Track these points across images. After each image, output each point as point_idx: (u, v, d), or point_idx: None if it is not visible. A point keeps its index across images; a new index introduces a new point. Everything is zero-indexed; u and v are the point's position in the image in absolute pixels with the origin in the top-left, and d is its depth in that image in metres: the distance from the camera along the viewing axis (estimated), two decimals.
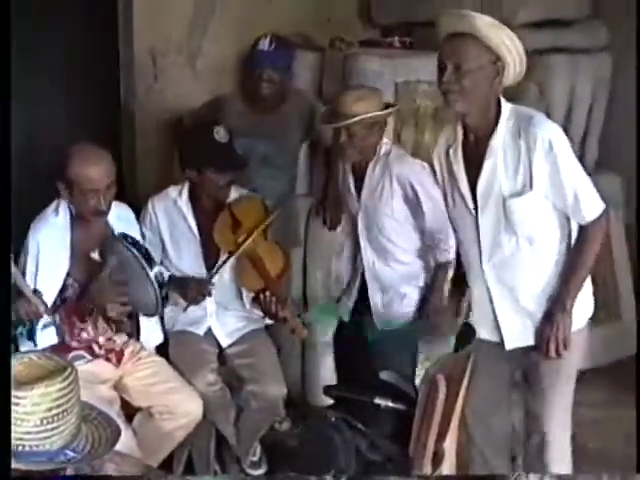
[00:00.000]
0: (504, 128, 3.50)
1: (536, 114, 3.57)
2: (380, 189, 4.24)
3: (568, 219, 3.57)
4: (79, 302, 4.07)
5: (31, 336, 3.90)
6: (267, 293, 4.36)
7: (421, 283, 4.39)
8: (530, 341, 3.69)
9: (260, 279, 4.43)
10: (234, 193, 4.57)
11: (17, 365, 2.21)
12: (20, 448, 2.13)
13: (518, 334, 3.71)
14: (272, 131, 5.01)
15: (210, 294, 4.45)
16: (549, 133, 3.45)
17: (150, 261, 3.99)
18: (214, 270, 4.46)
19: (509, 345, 3.72)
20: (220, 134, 4.38)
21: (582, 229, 3.55)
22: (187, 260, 4.55)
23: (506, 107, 3.54)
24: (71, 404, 2.19)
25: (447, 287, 4.33)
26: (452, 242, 4.09)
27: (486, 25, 3.40)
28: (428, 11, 5.82)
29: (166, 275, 4.41)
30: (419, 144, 4.76)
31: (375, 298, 4.42)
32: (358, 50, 5.70)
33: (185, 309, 4.48)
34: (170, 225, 4.55)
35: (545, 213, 3.55)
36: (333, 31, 5.87)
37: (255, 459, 4.58)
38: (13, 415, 2.12)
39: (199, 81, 5.76)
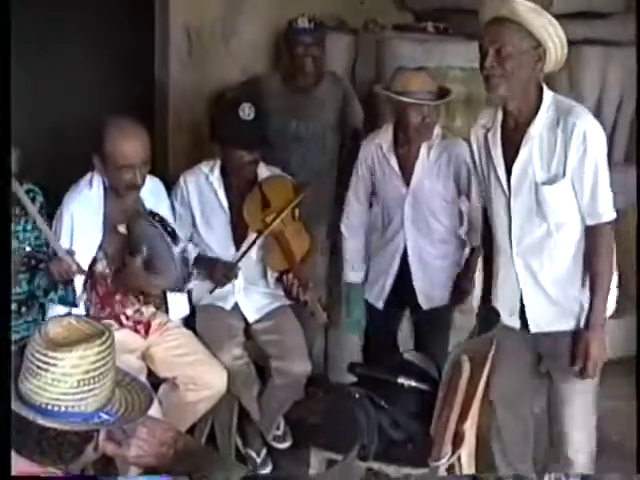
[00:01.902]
0: (544, 116, 3.51)
1: (577, 105, 3.58)
2: (437, 170, 4.39)
3: None
4: (112, 284, 4.13)
5: (65, 300, 3.96)
6: (290, 275, 4.42)
7: (453, 262, 4.55)
8: (553, 327, 3.71)
9: (285, 260, 4.48)
10: (265, 172, 4.59)
11: (56, 327, 2.22)
12: (56, 408, 2.15)
13: (543, 319, 3.72)
14: (307, 111, 5.06)
15: (236, 277, 4.50)
16: (586, 125, 3.46)
17: (175, 238, 4.01)
18: (241, 253, 4.50)
19: (533, 329, 3.73)
20: (245, 111, 4.39)
21: (590, 233, 3.58)
22: (216, 236, 4.58)
23: (548, 95, 3.54)
24: (107, 368, 2.21)
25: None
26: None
27: (527, 10, 3.40)
28: None
29: (193, 253, 4.48)
30: (450, 129, 4.77)
31: (418, 278, 4.52)
32: (391, 34, 5.72)
33: (212, 291, 4.53)
34: (201, 201, 4.58)
35: (573, 202, 3.57)
36: (367, 14, 5.88)
37: (279, 433, 4.65)
38: (50, 376, 2.13)
39: (232, 59, 5.77)
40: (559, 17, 5.28)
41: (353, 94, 5.26)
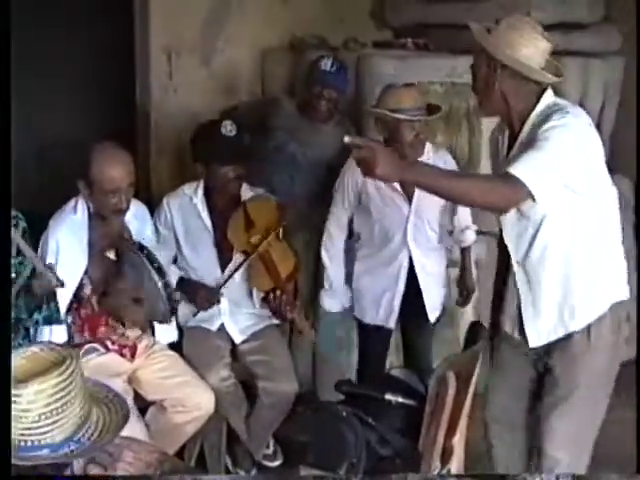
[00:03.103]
0: (533, 121, 3.49)
1: (571, 110, 3.49)
2: None
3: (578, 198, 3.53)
4: (98, 309, 4.13)
5: (50, 319, 3.94)
6: (277, 293, 4.42)
7: (444, 267, 4.70)
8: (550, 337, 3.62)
9: (270, 280, 4.48)
10: (249, 192, 4.62)
11: (20, 359, 2.20)
12: (22, 444, 2.14)
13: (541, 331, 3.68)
14: (309, 139, 5.08)
15: (219, 302, 4.52)
16: (556, 122, 3.37)
17: (160, 272, 4.03)
18: (225, 277, 4.51)
19: (532, 343, 3.64)
20: (227, 128, 4.43)
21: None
22: (201, 258, 4.59)
23: (543, 103, 3.50)
24: (72, 396, 2.18)
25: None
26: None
27: (482, 38, 3.50)
28: (441, 13, 5.89)
29: (176, 276, 4.48)
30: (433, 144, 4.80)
31: (428, 291, 4.61)
32: (371, 51, 5.74)
33: (195, 315, 4.54)
34: (185, 222, 4.58)
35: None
36: (347, 32, 5.91)
37: (269, 452, 4.65)
38: (13, 412, 2.12)
39: (214, 80, 5.80)
40: None
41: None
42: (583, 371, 3.55)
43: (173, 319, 4.40)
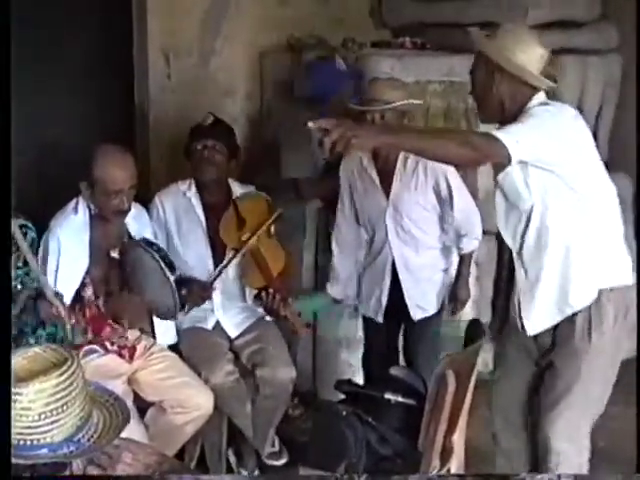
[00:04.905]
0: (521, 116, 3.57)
1: (556, 104, 3.60)
2: (415, 180, 4.40)
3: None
4: (103, 309, 4.13)
5: (54, 336, 3.96)
6: (270, 291, 4.44)
7: (442, 270, 4.60)
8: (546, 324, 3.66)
9: (262, 277, 4.50)
10: (240, 189, 4.66)
11: (21, 360, 2.21)
12: (22, 442, 2.14)
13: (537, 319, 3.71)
14: None
15: (210, 297, 4.53)
16: (539, 108, 3.49)
17: (171, 267, 4.06)
18: (216, 272, 4.52)
19: (530, 331, 3.69)
20: (207, 120, 4.58)
21: None
22: (194, 253, 4.60)
23: (533, 103, 3.56)
24: (72, 397, 2.18)
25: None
26: (478, 231, 4.41)
27: (482, 43, 3.59)
28: (439, 12, 5.90)
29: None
30: None
31: (408, 288, 4.56)
32: (370, 51, 5.75)
33: (187, 312, 4.52)
34: (178, 218, 4.61)
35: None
36: (345, 32, 5.90)
37: (275, 449, 4.64)
38: (13, 411, 2.12)
39: (212, 81, 5.80)
40: (535, 27, 5.38)
41: None
42: (584, 365, 3.58)
43: (173, 321, 4.43)
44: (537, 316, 3.66)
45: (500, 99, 3.57)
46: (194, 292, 4.45)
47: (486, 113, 3.68)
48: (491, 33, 3.62)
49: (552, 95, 5.64)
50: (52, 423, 2.16)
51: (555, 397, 3.66)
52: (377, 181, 4.48)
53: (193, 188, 4.62)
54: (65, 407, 2.17)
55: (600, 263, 3.59)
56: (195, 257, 4.60)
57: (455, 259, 4.62)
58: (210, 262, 4.58)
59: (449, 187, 4.36)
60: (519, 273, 3.68)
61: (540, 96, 3.58)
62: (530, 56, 3.52)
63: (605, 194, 3.61)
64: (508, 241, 3.69)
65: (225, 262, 4.51)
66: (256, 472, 4.63)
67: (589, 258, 3.56)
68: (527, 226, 3.57)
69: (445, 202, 4.42)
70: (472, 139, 3.34)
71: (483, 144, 3.27)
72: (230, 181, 4.68)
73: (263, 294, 4.45)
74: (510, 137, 3.26)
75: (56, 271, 4.07)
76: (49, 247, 4.11)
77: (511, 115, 3.54)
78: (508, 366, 3.86)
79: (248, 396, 4.51)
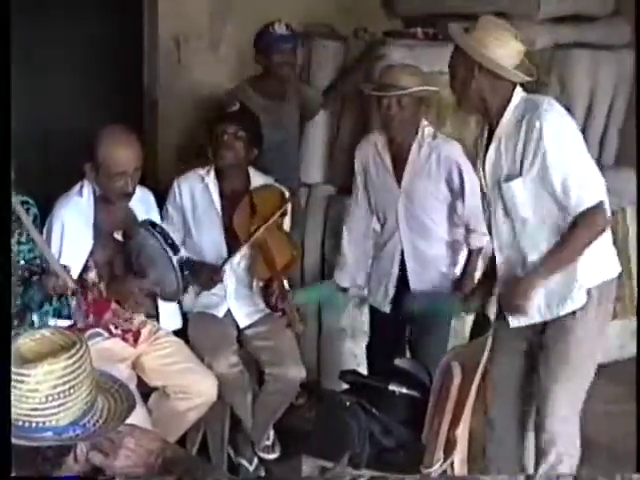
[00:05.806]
0: (509, 117, 3.65)
1: (544, 103, 3.64)
2: (427, 169, 4.41)
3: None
4: (107, 292, 4.11)
5: (60, 312, 3.93)
6: (273, 284, 4.46)
7: (451, 263, 4.60)
8: (533, 319, 3.77)
9: (267, 269, 4.51)
10: (258, 179, 4.65)
11: (29, 341, 2.18)
12: (27, 424, 2.12)
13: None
14: (279, 117, 5.14)
15: (222, 280, 4.50)
16: (544, 122, 3.54)
17: (174, 248, 4.04)
18: (225, 258, 4.51)
19: (513, 323, 3.80)
20: (232, 106, 4.62)
21: (575, 217, 3.60)
22: (209, 239, 4.60)
23: (517, 98, 3.67)
24: (79, 380, 2.16)
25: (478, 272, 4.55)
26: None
27: (460, 39, 3.67)
28: (451, 2, 5.87)
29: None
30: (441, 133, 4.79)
31: (415, 279, 4.56)
32: (381, 40, 5.72)
33: (198, 294, 4.54)
34: (194, 204, 4.60)
35: (541, 198, 3.63)
36: (357, 21, 5.88)
37: (269, 443, 4.63)
38: (18, 392, 2.10)
39: (222, 65, 5.79)
40: (548, 21, 5.37)
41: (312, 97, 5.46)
42: (573, 348, 3.72)
43: (177, 305, 4.43)
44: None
45: (480, 94, 3.67)
46: (205, 275, 4.44)
47: (466, 106, 3.81)
48: (470, 27, 3.68)
49: (562, 89, 5.70)
50: (59, 406, 2.14)
51: (547, 377, 3.78)
52: (390, 167, 4.48)
53: (212, 174, 4.60)
54: (72, 390, 2.15)
55: (588, 263, 3.69)
56: (210, 243, 4.59)
57: (464, 255, 4.61)
58: (224, 249, 4.57)
59: (462, 180, 4.36)
60: (500, 267, 3.85)
61: (519, 90, 3.68)
62: (506, 51, 3.60)
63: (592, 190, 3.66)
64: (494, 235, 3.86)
65: (237, 249, 4.51)
66: (256, 461, 4.63)
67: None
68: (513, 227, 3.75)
69: (457, 194, 4.42)
70: (589, 228, 3.58)
71: (598, 223, 3.58)
72: (251, 170, 4.66)
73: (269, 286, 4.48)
74: (594, 189, 3.55)
75: (59, 252, 4.04)
76: (53, 229, 4.10)
77: (495, 108, 3.67)
78: (503, 345, 3.89)
79: (250, 388, 4.51)
